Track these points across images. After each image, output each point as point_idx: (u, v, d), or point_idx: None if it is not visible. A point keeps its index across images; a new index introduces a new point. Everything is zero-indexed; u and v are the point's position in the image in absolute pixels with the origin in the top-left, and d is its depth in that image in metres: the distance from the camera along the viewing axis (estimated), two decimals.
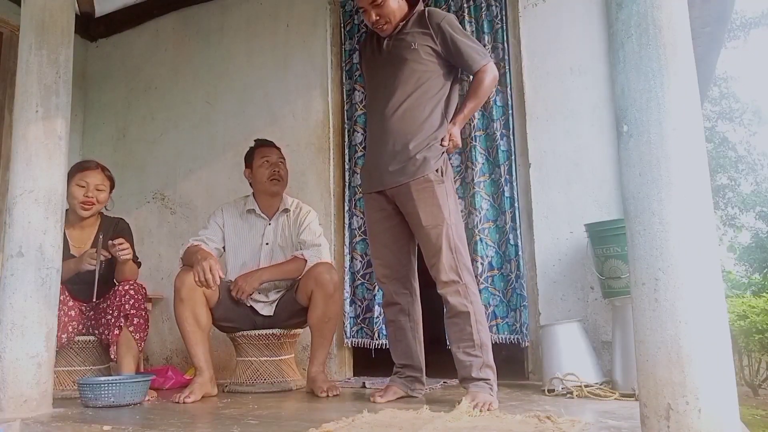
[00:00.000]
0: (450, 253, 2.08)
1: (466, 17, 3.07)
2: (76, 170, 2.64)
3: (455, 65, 2.24)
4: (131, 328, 2.49)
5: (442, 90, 2.21)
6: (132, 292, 2.53)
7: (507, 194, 2.90)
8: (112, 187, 2.75)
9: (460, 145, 2.31)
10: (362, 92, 3.29)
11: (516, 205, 2.89)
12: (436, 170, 2.13)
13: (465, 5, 3.11)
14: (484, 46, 2.96)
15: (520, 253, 2.84)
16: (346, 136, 3.33)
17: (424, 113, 2.17)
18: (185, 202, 3.70)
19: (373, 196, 2.27)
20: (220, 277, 2.37)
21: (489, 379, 2.03)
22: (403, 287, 2.28)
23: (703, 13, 3.38)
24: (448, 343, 2.20)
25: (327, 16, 3.48)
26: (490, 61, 2.22)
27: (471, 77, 2.24)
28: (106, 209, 2.77)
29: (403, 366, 2.29)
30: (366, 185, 2.32)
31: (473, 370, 2.03)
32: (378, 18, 2.20)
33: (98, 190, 2.66)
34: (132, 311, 2.50)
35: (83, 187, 2.63)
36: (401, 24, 2.23)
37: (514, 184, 2.91)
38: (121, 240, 2.53)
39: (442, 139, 2.16)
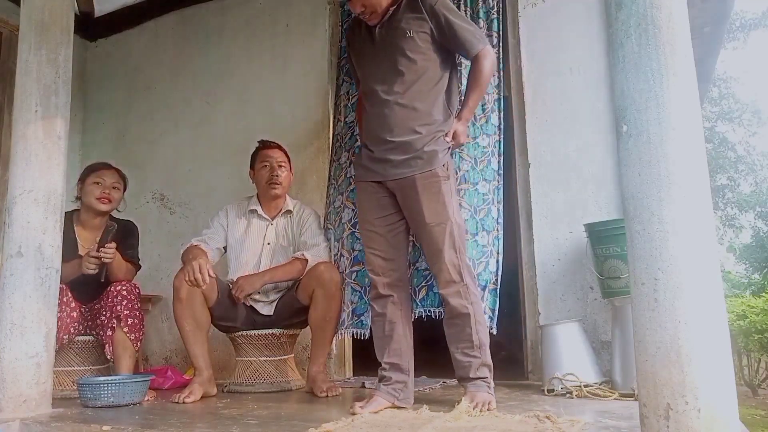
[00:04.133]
0: (453, 253, 2.03)
1: (462, 6, 2.94)
2: (91, 170, 2.67)
3: (451, 50, 2.18)
4: (125, 329, 2.47)
5: (441, 80, 2.15)
6: (124, 292, 2.50)
7: (493, 166, 2.64)
8: (125, 187, 2.77)
9: (464, 143, 2.24)
10: (349, 83, 3.25)
11: (500, 173, 2.63)
12: (443, 165, 2.08)
13: None
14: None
15: (499, 228, 2.58)
16: (333, 129, 3.25)
17: (427, 104, 2.10)
18: (185, 202, 3.70)
19: (370, 185, 2.18)
20: (214, 276, 2.37)
21: (486, 377, 2.02)
22: (398, 279, 2.18)
23: (703, 13, 3.38)
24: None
25: (326, 16, 3.48)
26: (488, 44, 2.16)
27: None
28: (119, 210, 2.77)
29: (390, 366, 2.08)
30: (362, 173, 2.22)
31: (471, 371, 2.02)
32: (363, 9, 2.14)
33: (114, 188, 2.68)
34: (125, 312, 2.47)
35: (99, 184, 2.64)
36: (392, 10, 2.16)
37: (502, 154, 2.68)
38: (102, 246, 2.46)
39: (446, 134, 2.11)
